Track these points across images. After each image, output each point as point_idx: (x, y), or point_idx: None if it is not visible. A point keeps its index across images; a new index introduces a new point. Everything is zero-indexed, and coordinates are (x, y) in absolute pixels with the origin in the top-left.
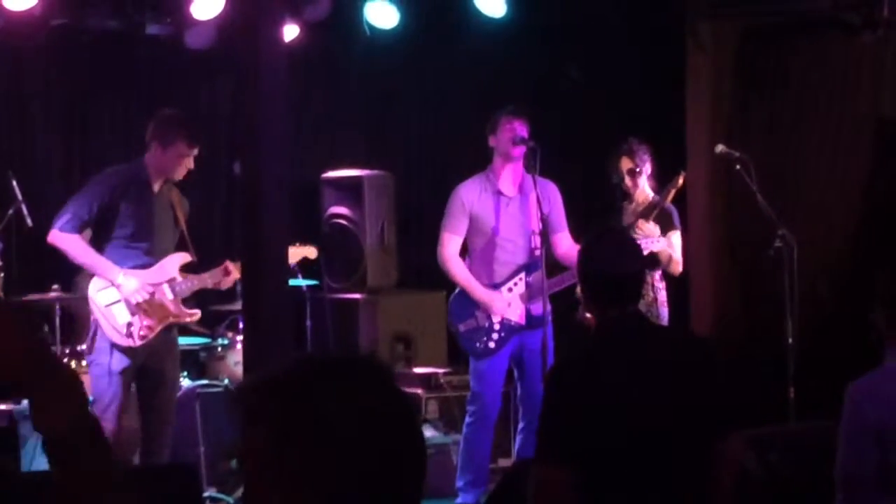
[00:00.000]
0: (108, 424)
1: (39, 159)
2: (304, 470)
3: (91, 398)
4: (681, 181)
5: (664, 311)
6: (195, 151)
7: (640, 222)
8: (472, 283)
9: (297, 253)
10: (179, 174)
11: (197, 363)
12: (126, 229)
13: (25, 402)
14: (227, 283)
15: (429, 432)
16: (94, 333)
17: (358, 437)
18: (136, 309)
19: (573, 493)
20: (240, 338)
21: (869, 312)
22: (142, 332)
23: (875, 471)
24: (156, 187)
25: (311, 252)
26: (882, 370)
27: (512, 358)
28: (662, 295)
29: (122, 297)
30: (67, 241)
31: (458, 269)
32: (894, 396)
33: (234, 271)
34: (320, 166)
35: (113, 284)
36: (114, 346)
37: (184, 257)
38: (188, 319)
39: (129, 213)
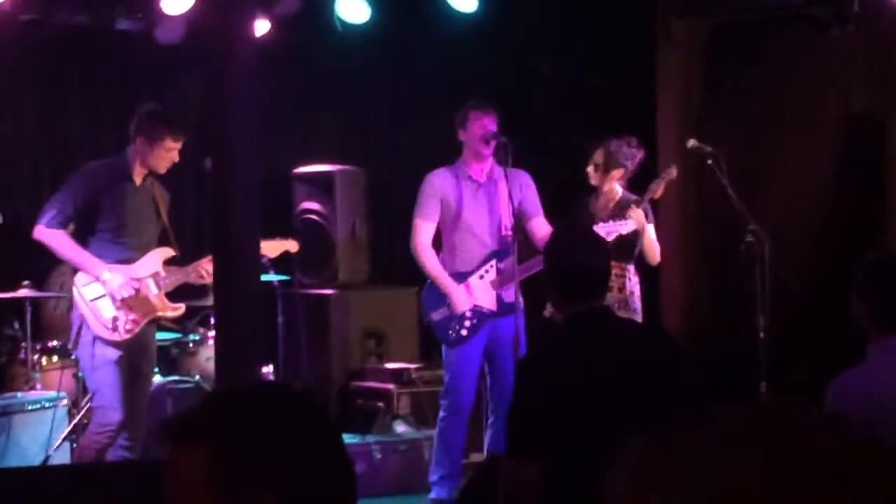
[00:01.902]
0: (115, 414)
1: (9, 156)
2: (245, 485)
3: (91, 392)
4: (674, 173)
5: (638, 304)
6: (180, 144)
7: (631, 209)
8: (440, 275)
9: (277, 247)
10: (164, 167)
11: (168, 359)
12: (108, 223)
13: None
14: (209, 278)
15: (400, 428)
16: (80, 328)
17: (293, 450)
18: (120, 304)
19: (543, 487)
20: (211, 333)
21: (846, 306)
22: (127, 327)
23: None
24: (138, 181)
25: (292, 245)
26: (864, 366)
27: (484, 350)
28: (637, 288)
29: (106, 292)
30: (52, 236)
31: (428, 260)
32: (876, 393)
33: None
34: (291, 161)
35: (98, 280)
36: (99, 339)
37: (167, 252)
38: (172, 313)
39: (111, 207)
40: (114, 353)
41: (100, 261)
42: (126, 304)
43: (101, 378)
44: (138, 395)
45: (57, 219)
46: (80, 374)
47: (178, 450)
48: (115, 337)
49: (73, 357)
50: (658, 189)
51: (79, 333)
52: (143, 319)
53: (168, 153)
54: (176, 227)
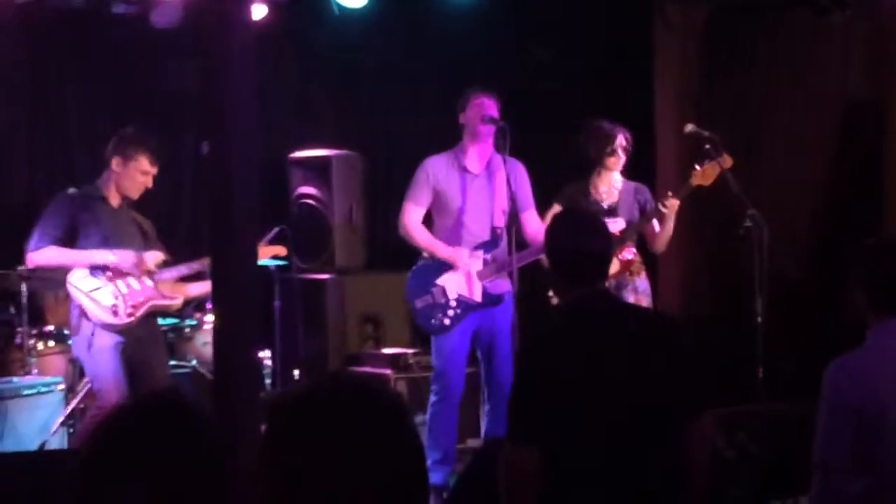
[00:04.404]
0: (112, 396)
1: (4, 139)
2: (297, 463)
3: (90, 379)
4: (729, 162)
5: (647, 285)
6: (155, 171)
7: (668, 199)
8: (433, 243)
9: (266, 251)
10: (137, 192)
11: (165, 344)
12: (94, 238)
13: None
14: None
15: None
16: (80, 317)
17: (345, 437)
18: (118, 292)
19: (544, 473)
20: (208, 318)
21: (844, 292)
22: (128, 311)
23: (852, 452)
24: (114, 204)
25: (280, 251)
26: (862, 350)
27: (474, 338)
28: (643, 269)
29: (124, 269)
30: (44, 254)
31: (418, 233)
32: (875, 377)
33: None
34: (288, 146)
35: (107, 262)
36: (100, 327)
37: (158, 255)
38: (170, 303)
39: (91, 226)
40: (113, 339)
41: (100, 249)
42: (122, 291)
43: (100, 367)
44: (143, 388)
45: (44, 240)
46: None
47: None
48: (118, 321)
49: (69, 343)
50: (709, 177)
51: (78, 325)
52: (142, 306)
53: (143, 176)
54: (173, 214)
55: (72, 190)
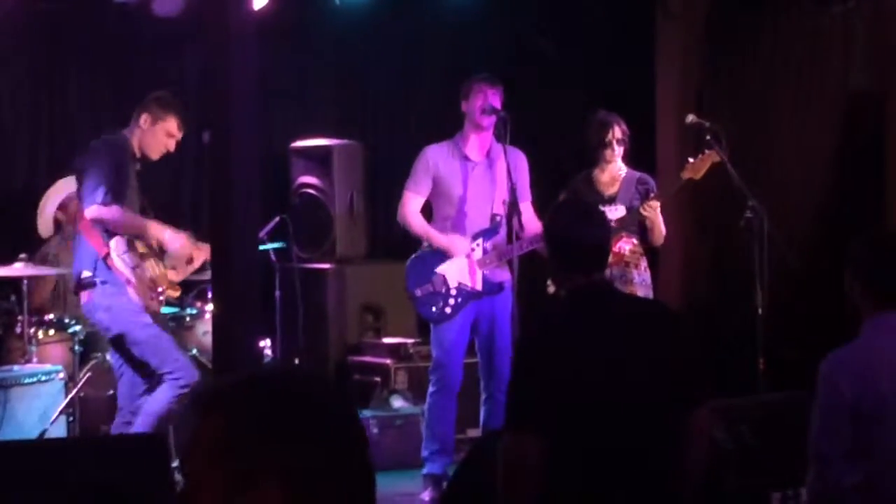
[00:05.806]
0: (193, 371)
1: (6, 129)
2: (252, 469)
3: (153, 364)
4: (717, 157)
5: (647, 276)
6: (180, 135)
7: (648, 204)
8: (430, 232)
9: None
10: (158, 153)
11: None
12: (127, 199)
13: None
14: (198, 259)
15: (398, 402)
16: (128, 291)
17: (307, 432)
18: (153, 274)
19: (543, 461)
20: (208, 308)
21: (842, 284)
22: (161, 298)
23: (848, 445)
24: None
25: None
26: (857, 343)
27: (472, 328)
28: (643, 261)
29: (170, 250)
30: (111, 212)
31: (415, 222)
32: (870, 369)
33: (202, 252)
34: (289, 136)
35: (162, 240)
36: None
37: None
38: (174, 293)
39: (128, 179)
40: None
41: (160, 223)
42: (154, 273)
43: (165, 343)
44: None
45: (110, 194)
46: (76, 347)
47: (198, 418)
48: (156, 306)
49: (69, 331)
50: (699, 170)
51: (123, 298)
52: (163, 294)
53: (167, 138)
54: (173, 202)
55: (111, 137)
